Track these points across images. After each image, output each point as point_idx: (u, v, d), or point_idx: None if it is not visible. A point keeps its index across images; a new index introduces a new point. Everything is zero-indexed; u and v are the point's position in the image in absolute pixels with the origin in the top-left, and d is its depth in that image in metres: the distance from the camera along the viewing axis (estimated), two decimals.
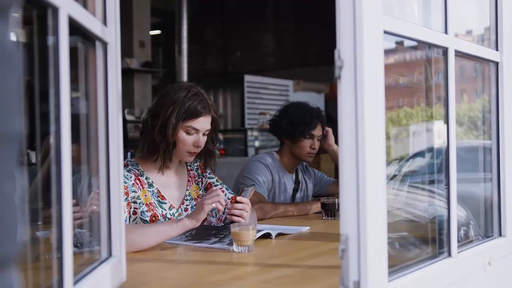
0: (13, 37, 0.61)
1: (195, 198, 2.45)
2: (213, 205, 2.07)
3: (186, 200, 2.42)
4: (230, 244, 1.99)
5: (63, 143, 1.04)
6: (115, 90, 1.43)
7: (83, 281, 1.19)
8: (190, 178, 2.48)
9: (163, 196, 2.33)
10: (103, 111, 1.41)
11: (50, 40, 1.05)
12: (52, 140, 1.05)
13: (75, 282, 1.13)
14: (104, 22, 1.40)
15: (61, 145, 1.04)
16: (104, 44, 1.40)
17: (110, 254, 1.43)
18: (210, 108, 2.32)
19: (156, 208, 2.28)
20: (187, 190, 2.44)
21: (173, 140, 2.27)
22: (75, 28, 1.16)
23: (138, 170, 2.31)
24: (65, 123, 1.05)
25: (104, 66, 1.41)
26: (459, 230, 1.70)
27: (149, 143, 2.29)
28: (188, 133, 2.29)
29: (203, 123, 2.31)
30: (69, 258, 1.05)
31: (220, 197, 2.10)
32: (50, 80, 1.05)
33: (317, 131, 3.13)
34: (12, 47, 0.60)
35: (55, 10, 1.03)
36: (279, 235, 2.29)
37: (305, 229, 2.46)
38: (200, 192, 2.49)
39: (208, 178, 2.53)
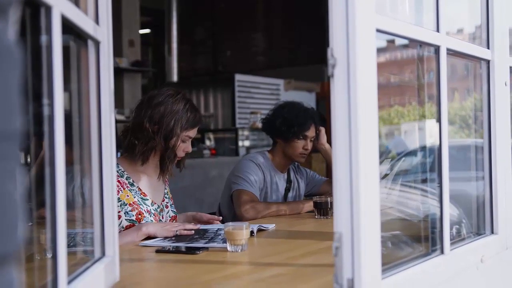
0: (13, 35, 0.61)
1: (171, 197, 2.61)
2: (177, 232, 2.22)
3: (166, 198, 2.56)
4: (224, 242, 1.99)
5: (57, 143, 1.04)
6: (108, 90, 1.43)
7: (77, 281, 1.19)
8: (166, 180, 2.61)
9: (144, 193, 2.43)
10: (96, 111, 1.40)
11: (43, 38, 1.05)
12: (44, 140, 1.05)
13: (69, 282, 1.13)
14: (96, 21, 1.40)
15: (54, 145, 1.03)
16: (97, 43, 1.39)
17: (103, 253, 1.42)
18: (202, 117, 2.51)
19: (141, 206, 2.38)
20: (166, 189, 2.59)
21: (176, 150, 2.40)
22: (67, 27, 1.15)
23: (117, 171, 2.36)
24: (59, 123, 1.05)
25: (97, 65, 1.40)
26: (451, 228, 1.71)
27: (150, 150, 2.38)
28: (183, 141, 2.42)
29: (196, 131, 2.49)
30: (63, 258, 1.05)
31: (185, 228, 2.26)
32: (43, 79, 1.05)
33: (311, 132, 3.13)
34: (13, 46, 0.60)
35: (48, 8, 1.02)
36: (260, 230, 2.35)
37: (271, 226, 2.49)
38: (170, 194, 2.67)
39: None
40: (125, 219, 2.31)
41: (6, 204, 0.59)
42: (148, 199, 2.42)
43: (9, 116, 0.59)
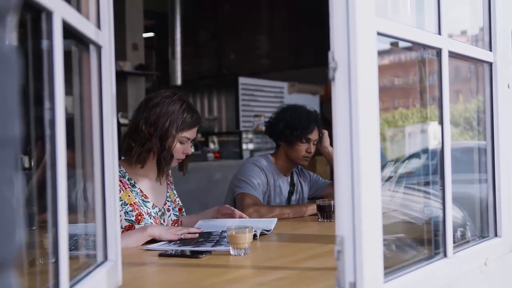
0: (11, 41, 0.61)
1: (173, 201, 2.59)
2: (182, 236, 2.23)
3: (168, 201, 2.55)
4: (228, 245, 1.99)
5: (58, 147, 1.04)
6: (110, 94, 1.43)
7: (79, 285, 1.19)
8: (168, 183, 2.60)
9: (146, 195, 2.43)
10: (98, 115, 1.40)
11: (44, 43, 1.05)
12: (46, 144, 1.05)
13: (71, 286, 1.13)
14: (98, 25, 1.40)
15: (56, 149, 1.04)
16: (98, 48, 1.40)
17: (105, 258, 1.42)
18: (200, 119, 2.50)
19: (141, 207, 2.38)
20: (168, 192, 2.57)
21: (172, 151, 2.38)
22: (69, 32, 1.15)
23: (120, 172, 2.36)
24: (60, 128, 1.05)
25: (98, 70, 1.41)
26: (455, 231, 1.71)
27: (146, 152, 2.38)
28: (181, 142, 2.42)
29: (195, 132, 2.47)
30: (65, 263, 1.05)
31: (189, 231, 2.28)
32: (44, 84, 1.05)
33: (314, 135, 3.12)
34: (11, 52, 0.61)
35: (49, 14, 1.03)
36: (262, 234, 2.34)
37: (274, 222, 2.51)
38: (176, 197, 2.64)
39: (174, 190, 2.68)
40: (125, 219, 2.31)
41: (4, 210, 0.59)
42: (149, 202, 2.42)
43: (7, 122, 0.60)
